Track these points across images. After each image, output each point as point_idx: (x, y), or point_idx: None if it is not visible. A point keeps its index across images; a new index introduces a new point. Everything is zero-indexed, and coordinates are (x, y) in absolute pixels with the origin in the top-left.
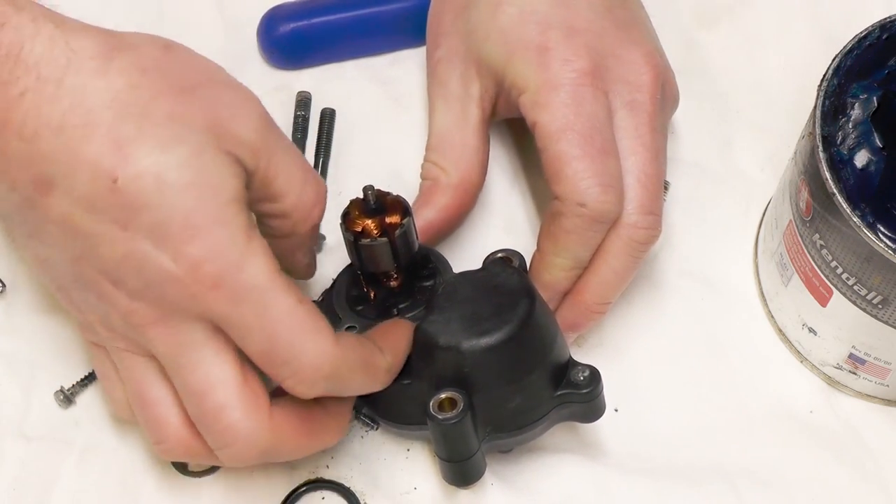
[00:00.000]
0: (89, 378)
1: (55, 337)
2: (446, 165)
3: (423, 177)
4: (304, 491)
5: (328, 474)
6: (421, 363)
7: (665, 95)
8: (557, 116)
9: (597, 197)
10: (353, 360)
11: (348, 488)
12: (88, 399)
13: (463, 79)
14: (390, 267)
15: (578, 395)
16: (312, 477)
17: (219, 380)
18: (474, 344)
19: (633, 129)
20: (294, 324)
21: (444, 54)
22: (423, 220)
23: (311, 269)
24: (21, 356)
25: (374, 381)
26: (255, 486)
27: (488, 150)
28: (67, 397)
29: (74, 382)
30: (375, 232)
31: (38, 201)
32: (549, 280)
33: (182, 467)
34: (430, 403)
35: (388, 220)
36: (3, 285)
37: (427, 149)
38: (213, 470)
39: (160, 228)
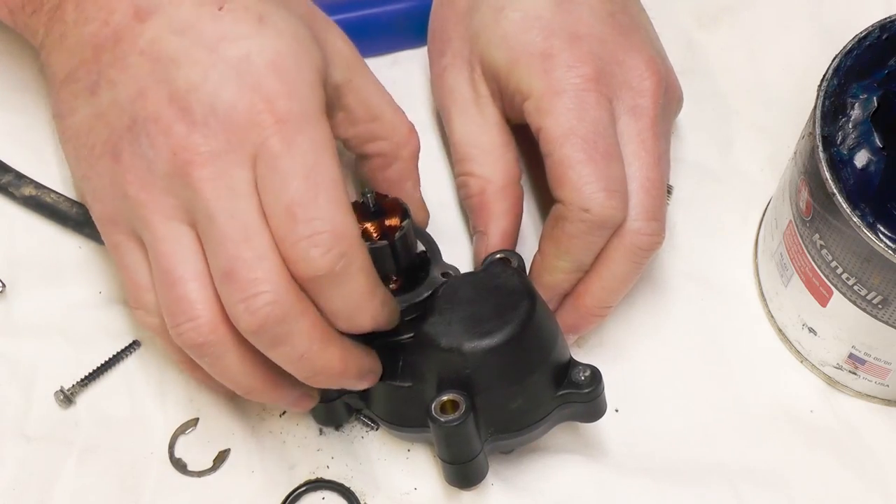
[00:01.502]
0: (89, 378)
1: (55, 337)
2: (485, 172)
3: (467, 195)
4: (304, 491)
5: (328, 474)
6: (422, 365)
7: (668, 99)
8: (561, 121)
9: (601, 202)
10: (366, 263)
11: (348, 488)
12: (88, 399)
13: (471, 82)
14: (390, 270)
15: (580, 394)
16: (312, 477)
17: (255, 230)
18: (476, 345)
19: (636, 135)
20: (336, 190)
21: (450, 60)
22: (499, 232)
23: (424, 209)
24: (21, 356)
25: (368, 307)
26: (255, 486)
27: (515, 144)
28: (67, 397)
29: (74, 382)
30: (375, 235)
31: (130, 30)
32: (550, 282)
33: (182, 467)
34: (433, 406)
35: (387, 222)
36: (3, 285)
37: (457, 162)
38: (213, 469)
39: (248, 59)
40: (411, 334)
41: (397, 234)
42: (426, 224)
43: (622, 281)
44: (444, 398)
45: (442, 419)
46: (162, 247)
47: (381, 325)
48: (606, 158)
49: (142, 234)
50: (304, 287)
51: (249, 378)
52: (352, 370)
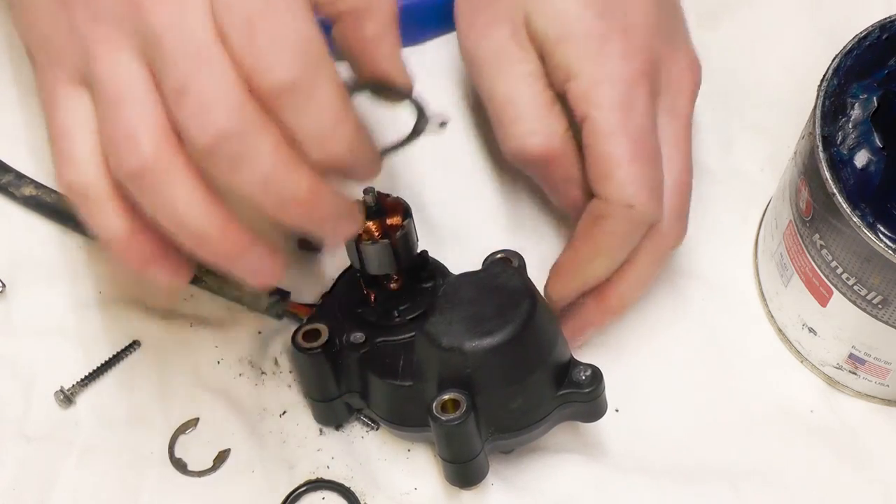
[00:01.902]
0: (89, 378)
1: (55, 337)
2: (546, 126)
3: (534, 154)
4: (304, 491)
5: (328, 474)
6: (423, 365)
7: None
8: (610, 116)
9: (645, 201)
10: (335, 76)
11: (348, 488)
12: (88, 399)
13: (515, 38)
14: (391, 269)
15: (580, 394)
16: (312, 477)
17: (209, 47)
18: (477, 345)
19: (673, 135)
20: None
21: (489, 19)
22: (569, 199)
23: (406, 73)
24: (21, 356)
25: (341, 129)
26: (255, 486)
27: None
28: (67, 397)
29: (74, 382)
30: (377, 234)
31: None
32: (580, 284)
33: (182, 467)
34: (434, 405)
35: (388, 221)
36: (3, 285)
37: (509, 123)
38: (213, 469)
39: None
40: (412, 334)
41: (398, 233)
42: (410, 90)
43: (646, 280)
44: (445, 397)
45: (443, 418)
46: (108, 76)
47: (359, 157)
48: (651, 158)
49: (89, 73)
50: (268, 105)
51: (200, 216)
52: (324, 203)
